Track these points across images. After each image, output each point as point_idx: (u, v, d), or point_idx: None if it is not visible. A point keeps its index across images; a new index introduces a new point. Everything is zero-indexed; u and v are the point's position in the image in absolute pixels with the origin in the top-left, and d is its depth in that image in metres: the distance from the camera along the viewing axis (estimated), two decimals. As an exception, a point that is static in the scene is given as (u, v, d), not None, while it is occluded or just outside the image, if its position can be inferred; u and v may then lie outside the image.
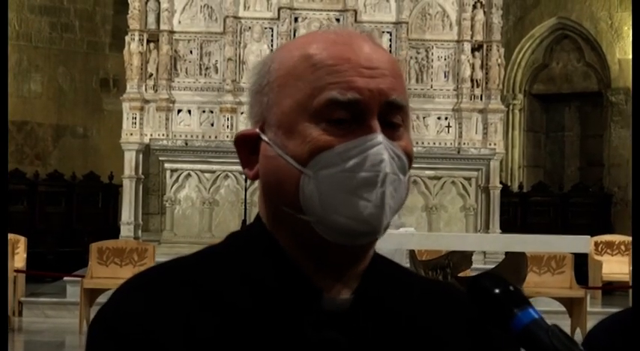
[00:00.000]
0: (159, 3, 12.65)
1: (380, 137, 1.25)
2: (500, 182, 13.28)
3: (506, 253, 7.33)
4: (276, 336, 1.24)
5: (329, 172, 1.24)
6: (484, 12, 12.86)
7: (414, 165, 1.33)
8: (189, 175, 12.27)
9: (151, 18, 12.71)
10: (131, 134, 12.55)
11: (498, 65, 12.83)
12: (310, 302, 1.27)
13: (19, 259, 11.02)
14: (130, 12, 12.67)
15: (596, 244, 12.07)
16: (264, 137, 1.30)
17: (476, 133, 12.78)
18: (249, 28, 12.70)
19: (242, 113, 12.58)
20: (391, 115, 1.28)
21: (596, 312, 9.97)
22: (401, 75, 1.32)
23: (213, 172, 12.23)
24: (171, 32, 12.62)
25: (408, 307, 1.34)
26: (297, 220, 1.27)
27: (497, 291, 1.26)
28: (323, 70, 1.26)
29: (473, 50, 12.82)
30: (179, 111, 12.65)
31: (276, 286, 1.27)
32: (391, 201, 1.26)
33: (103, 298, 9.92)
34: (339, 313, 1.28)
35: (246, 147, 1.33)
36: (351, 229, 1.25)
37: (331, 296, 1.28)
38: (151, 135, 12.50)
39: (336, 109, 1.25)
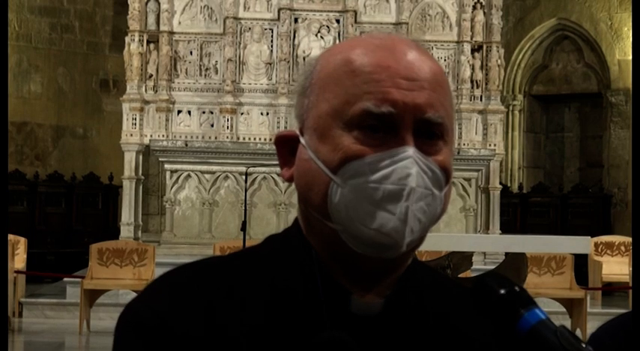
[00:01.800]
0: (159, 4, 12.65)
1: (410, 151, 1.23)
2: (500, 183, 13.28)
3: (507, 254, 7.32)
4: (300, 338, 1.24)
5: (357, 182, 1.23)
6: (484, 13, 12.87)
7: None
8: (189, 175, 12.27)
9: (151, 19, 12.71)
10: (131, 135, 12.55)
11: (498, 66, 12.84)
12: (338, 304, 1.26)
13: (19, 259, 11.02)
14: (129, 13, 12.66)
15: (596, 245, 12.07)
16: (301, 139, 1.29)
17: (476, 134, 12.78)
18: (249, 28, 12.70)
19: (242, 114, 12.59)
20: (428, 130, 1.25)
21: (596, 313, 9.99)
22: (444, 87, 1.28)
23: (213, 172, 12.23)
24: (171, 33, 12.62)
25: (440, 312, 1.32)
26: (325, 226, 1.26)
27: (502, 292, 1.24)
28: (360, 78, 1.24)
29: (473, 51, 12.83)
30: (179, 112, 12.65)
31: (304, 289, 1.27)
32: (421, 215, 1.23)
33: (103, 299, 9.93)
34: (369, 316, 1.27)
35: (285, 148, 1.31)
36: (375, 241, 1.23)
37: (361, 299, 1.27)
38: (151, 136, 12.50)
39: (370, 119, 1.23)
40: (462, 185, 12.46)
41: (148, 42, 12.67)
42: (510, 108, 16.36)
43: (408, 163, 1.22)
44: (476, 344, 1.32)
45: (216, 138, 12.48)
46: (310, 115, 1.28)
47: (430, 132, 1.25)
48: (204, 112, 12.66)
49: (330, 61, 1.29)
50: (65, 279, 11.31)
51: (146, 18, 12.70)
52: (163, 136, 12.49)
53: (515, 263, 6.80)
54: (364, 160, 1.23)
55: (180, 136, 12.49)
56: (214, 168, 12.20)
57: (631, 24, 14.70)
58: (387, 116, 1.23)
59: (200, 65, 12.72)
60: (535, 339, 1.21)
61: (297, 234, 1.31)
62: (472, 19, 12.83)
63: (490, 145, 12.74)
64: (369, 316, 1.27)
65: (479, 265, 9.01)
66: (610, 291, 12.25)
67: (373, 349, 1.26)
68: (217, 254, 7.77)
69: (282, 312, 1.25)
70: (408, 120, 1.23)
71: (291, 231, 1.33)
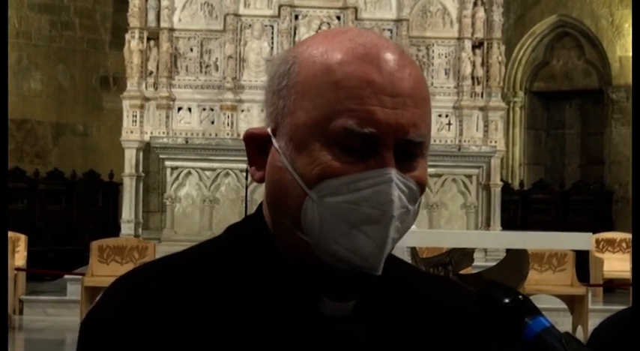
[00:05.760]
0: (159, 0, 12.63)
1: (392, 174, 1.19)
2: (501, 180, 13.27)
3: (508, 251, 7.32)
4: (269, 337, 1.22)
5: (333, 200, 1.19)
6: (485, 9, 12.85)
7: None
8: (189, 173, 12.26)
9: (151, 15, 12.70)
10: (131, 132, 12.54)
11: (499, 63, 12.83)
12: (310, 306, 1.24)
13: (19, 257, 11.02)
14: (130, 10, 12.65)
15: (597, 242, 12.06)
16: (275, 143, 1.24)
17: (477, 130, 12.77)
18: (250, 25, 12.69)
19: (242, 111, 12.57)
20: (408, 148, 1.22)
21: (597, 309, 9.97)
22: (426, 99, 1.25)
23: (213, 169, 12.22)
24: (172, 30, 12.61)
25: (411, 309, 1.32)
26: (296, 236, 1.23)
27: (506, 301, 1.24)
28: (343, 92, 1.19)
29: (473, 48, 12.81)
30: (179, 109, 12.64)
31: (272, 288, 1.24)
32: (396, 235, 1.22)
33: (103, 296, 9.92)
34: (339, 317, 1.25)
35: (254, 145, 1.27)
36: (349, 262, 1.21)
37: (332, 301, 1.25)
38: (152, 133, 12.49)
39: (351, 138, 1.19)
40: (462, 182, 12.45)
41: (148, 39, 12.66)
42: (511, 105, 16.35)
43: (390, 188, 1.19)
44: (445, 339, 1.32)
45: (216, 135, 12.47)
46: (286, 121, 1.23)
47: (410, 150, 1.22)
48: (204, 109, 12.65)
49: (309, 64, 1.22)
50: (66, 276, 11.31)
51: (146, 15, 12.69)
52: (164, 133, 12.48)
53: (517, 260, 6.79)
54: (342, 180, 1.19)
55: (181, 133, 12.48)
56: (215, 165, 12.20)
57: (631, 20, 14.68)
58: (368, 136, 1.19)
59: (200, 62, 12.71)
60: (541, 347, 1.20)
61: (261, 229, 1.28)
62: (473, 16, 12.81)
63: (491, 141, 12.73)
64: (339, 317, 1.25)
65: (480, 262, 9.00)
66: (611, 288, 12.24)
67: (345, 350, 1.24)
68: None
69: (246, 311, 1.22)
70: (389, 140, 1.20)
71: (254, 226, 1.30)
